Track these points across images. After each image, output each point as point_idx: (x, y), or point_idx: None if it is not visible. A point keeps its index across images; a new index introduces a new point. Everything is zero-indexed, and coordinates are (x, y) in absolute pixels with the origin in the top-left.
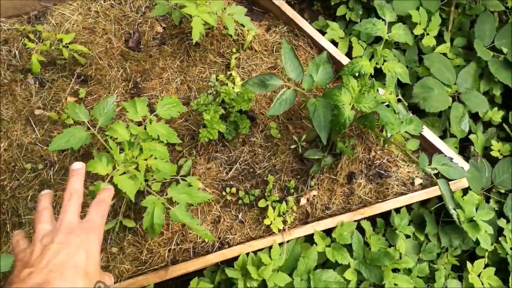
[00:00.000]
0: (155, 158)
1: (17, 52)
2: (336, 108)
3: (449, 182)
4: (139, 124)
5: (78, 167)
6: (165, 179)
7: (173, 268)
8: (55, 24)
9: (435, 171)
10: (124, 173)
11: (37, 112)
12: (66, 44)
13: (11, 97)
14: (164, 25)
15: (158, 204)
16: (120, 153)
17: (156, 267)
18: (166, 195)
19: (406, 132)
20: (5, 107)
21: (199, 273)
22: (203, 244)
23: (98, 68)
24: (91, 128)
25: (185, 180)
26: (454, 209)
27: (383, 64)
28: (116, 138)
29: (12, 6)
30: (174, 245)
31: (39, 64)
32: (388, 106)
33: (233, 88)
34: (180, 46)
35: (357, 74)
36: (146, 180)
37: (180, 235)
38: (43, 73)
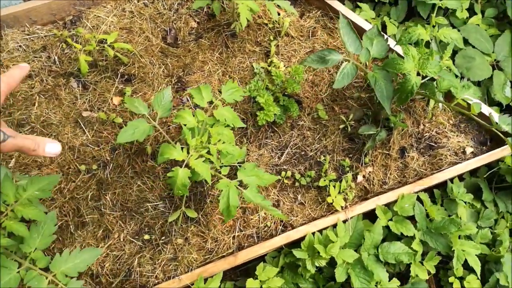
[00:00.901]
0: (223, 142)
1: (56, 57)
2: (402, 76)
3: (502, 148)
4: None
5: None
6: (232, 164)
7: (241, 253)
8: (91, 27)
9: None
10: (198, 158)
11: (84, 114)
12: (110, 43)
13: (57, 101)
14: (197, 20)
15: (231, 186)
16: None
17: (223, 254)
18: (236, 178)
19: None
20: (53, 111)
21: (261, 260)
22: (266, 228)
23: (140, 66)
24: (151, 120)
25: (244, 168)
26: None
27: (438, 32)
28: (185, 125)
29: (48, 12)
30: (237, 232)
31: (86, 64)
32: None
33: (280, 71)
34: (217, 38)
35: (413, 43)
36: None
37: (242, 222)
38: (86, 76)
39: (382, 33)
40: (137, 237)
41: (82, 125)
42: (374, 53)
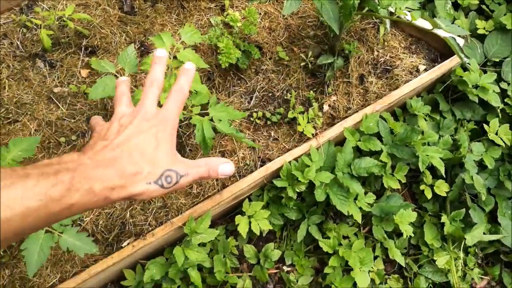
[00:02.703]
0: None
1: (18, 42)
2: None
3: (451, 59)
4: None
5: (161, 54)
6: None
7: (226, 190)
8: (48, 8)
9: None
10: None
11: (56, 90)
12: (69, 16)
13: (26, 82)
14: None
15: (205, 120)
16: None
17: (209, 195)
18: (208, 115)
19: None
20: (24, 91)
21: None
22: (246, 167)
23: (102, 37)
24: (119, 76)
25: (214, 105)
26: (466, 57)
27: None
28: None
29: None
30: None
31: (49, 39)
32: None
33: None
34: (172, 1)
35: None
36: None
37: None
38: (50, 55)
39: None
40: None
41: (55, 100)
42: None
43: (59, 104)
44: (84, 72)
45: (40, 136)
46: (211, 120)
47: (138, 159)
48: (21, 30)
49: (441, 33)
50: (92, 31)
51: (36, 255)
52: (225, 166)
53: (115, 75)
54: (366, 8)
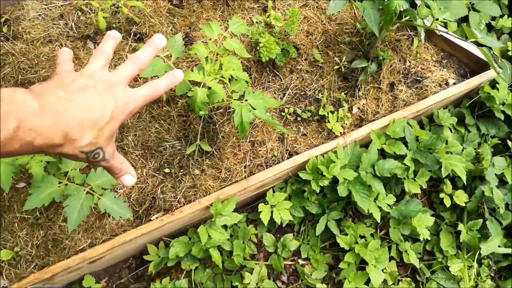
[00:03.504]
0: (233, 69)
1: (73, 24)
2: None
3: (480, 75)
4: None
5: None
6: (241, 91)
7: (253, 177)
8: None
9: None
10: (213, 80)
11: None
12: (123, 2)
13: (77, 61)
14: None
15: (243, 106)
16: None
17: (237, 180)
18: (246, 101)
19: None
20: (75, 69)
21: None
22: (273, 158)
23: (150, 25)
24: (166, 61)
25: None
26: (499, 67)
27: None
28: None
29: None
30: (248, 162)
31: (104, 21)
32: None
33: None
34: None
35: None
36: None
37: (251, 154)
38: (101, 38)
39: None
40: (158, 172)
41: None
42: None
43: None
44: None
45: None
46: (250, 106)
47: (84, 122)
48: (76, 12)
49: (472, 48)
50: (142, 19)
51: (77, 212)
52: (127, 177)
53: (163, 59)
54: (405, 18)
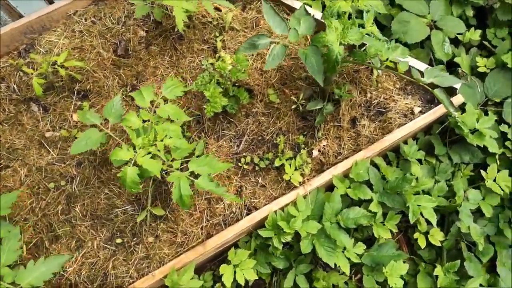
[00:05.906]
0: (170, 137)
1: (15, 86)
2: (326, 48)
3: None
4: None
5: None
6: (184, 158)
7: (210, 241)
8: (44, 52)
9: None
10: (146, 155)
11: (47, 134)
12: (61, 63)
13: (20, 127)
14: (146, 29)
15: (182, 177)
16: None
17: (193, 245)
18: (188, 170)
19: (393, 59)
20: (17, 137)
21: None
22: (232, 215)
23: (94, 80)
24: (104, 128)
25: (195, 159)
26: (455, 111)
27: (358, 1)
28: (129, 127)
29: (1, 44)
30: (205, 222)
31: (40, 86)
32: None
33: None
34: (165, 43)
35: (337, 16)
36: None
37: (208, 212)
38: (45, 99)
39: (308, 12)
40: (110, 242)
41: (46, 145)
42: (303, 31)
43: (49, 149)
44: (76, 116)
45: (18, 192)
46: (192, 174)
47: None
48: (18, 73)
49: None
50: (85, 75)
51: None
52: None
53: (99, 127)
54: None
